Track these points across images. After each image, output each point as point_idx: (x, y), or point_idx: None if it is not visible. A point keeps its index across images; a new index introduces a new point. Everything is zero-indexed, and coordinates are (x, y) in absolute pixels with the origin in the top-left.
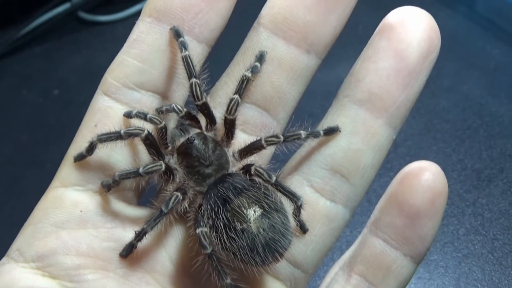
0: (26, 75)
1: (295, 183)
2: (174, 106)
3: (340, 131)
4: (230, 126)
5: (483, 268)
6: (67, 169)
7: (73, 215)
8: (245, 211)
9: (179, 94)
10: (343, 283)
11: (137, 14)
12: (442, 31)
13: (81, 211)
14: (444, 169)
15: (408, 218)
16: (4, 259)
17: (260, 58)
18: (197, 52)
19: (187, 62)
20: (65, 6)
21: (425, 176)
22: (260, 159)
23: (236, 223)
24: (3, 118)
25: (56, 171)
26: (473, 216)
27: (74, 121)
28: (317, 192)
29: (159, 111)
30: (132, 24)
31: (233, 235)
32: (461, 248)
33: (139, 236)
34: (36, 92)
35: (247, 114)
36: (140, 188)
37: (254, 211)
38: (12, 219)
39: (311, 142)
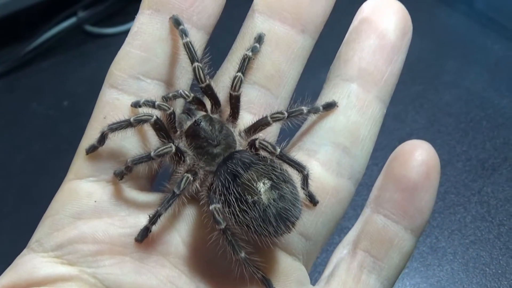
0: (35, 88)
1: (301, 159)
2: (182, 92)
3: (337, 106)
4: (235, 102)
5: (490, 252)
6: (80, 162)
7: (88, 206)
8: (255, 184)
9: (183, 81)
10: (349, 260)
11: None
12: (443, 29)
13: (95, 201)
14: (449, 160)
15: (406, 192)
16: (25, 250)
17: (259, 39)
18: (197, 39)
19: (189, 48)
20: (71, 20)
21: (418, 152)
22: (267, 138)
23: (247, 196)
24: (15, 130)
25: None
26: (479, 204)
27: (84, 130)
28: (323, 165)
29: (165, 98)
30: None
31: (245, 208)
32: (468, 234)
33: (154, 218)
34: (46, 104)
35: (251, 94)
36: (152, 175)
37: (264, 183)
38: (26, 225)
39: (311, 119)
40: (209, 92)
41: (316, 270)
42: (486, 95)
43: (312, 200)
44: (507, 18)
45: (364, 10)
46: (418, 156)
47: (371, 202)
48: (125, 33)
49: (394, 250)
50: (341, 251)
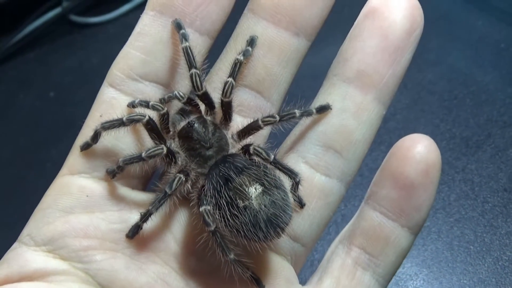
0: (22, 80)
1: (291, 161)
2: (176, 93)
3: (331, 109)
4: (226, 108)
5: (475, 230)
6: (74, 158)
7: (80, 201)
8: (246, 189)
9: (182, 85)
10: (344, 256)
11: (127, 14)
12: (426, 7)
13: (87, 196)
14: (433, 139)
15: (403, 190)
16: (16, 244)
17: (251, 42)
18: (199, 44)
19: (187, 53)
20: (56, 10)
21: (417, 148)
22: (257, 140)
23: (238, 200)
24: (2, 122)
25: (56, 171)
26: (463, 181)
27: (71, 121)
28: (312, 168)
29: (162, 100)
30: (123, 24)
31: (235, 212)
32: (452, 213)
33: (145, 217)
34: (33, 96)
35: (242, 97)
36: (146, 175)
37: (255, 189)
38: (15, 219)
39: (305, 121)
40: (206, 100)
41: (308, 258)
42: (469, 72)
43: (300, 203)
44: None
45: (370, 4)
46: (417, 152)
47: (368, 198)
48: (111, 22)
49: (390, 248)
50: (336, 246)
